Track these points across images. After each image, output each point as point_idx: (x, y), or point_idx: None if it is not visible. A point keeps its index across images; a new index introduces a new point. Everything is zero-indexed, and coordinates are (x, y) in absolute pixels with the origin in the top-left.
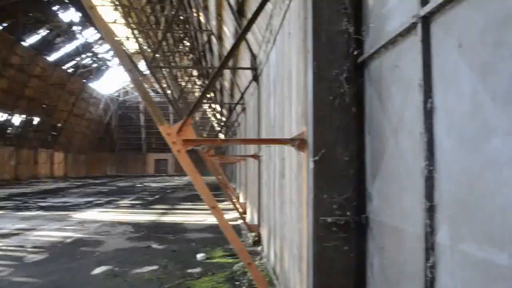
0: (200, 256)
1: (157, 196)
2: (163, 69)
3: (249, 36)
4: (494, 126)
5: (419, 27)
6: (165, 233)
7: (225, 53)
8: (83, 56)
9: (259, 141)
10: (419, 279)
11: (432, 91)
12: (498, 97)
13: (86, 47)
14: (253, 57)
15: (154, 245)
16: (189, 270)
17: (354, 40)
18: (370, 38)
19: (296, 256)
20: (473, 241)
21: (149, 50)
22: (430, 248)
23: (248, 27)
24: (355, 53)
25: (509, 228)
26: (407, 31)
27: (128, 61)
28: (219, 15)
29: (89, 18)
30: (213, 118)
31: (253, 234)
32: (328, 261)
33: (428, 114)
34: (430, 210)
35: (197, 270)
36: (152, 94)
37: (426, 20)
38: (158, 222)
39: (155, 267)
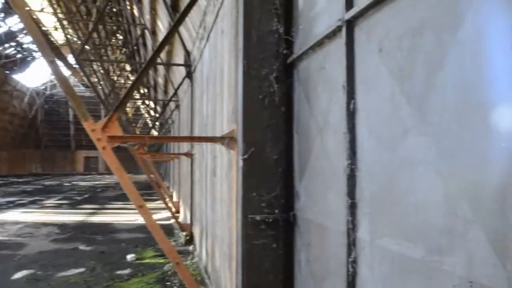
0: (130, 257)
1: (86, 196)
2: (93, 63)
3: (183, 32)
4: (409, 127)
5: (343, 30)
6: (94, 233)
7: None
8: (6, 45)
9: (188, 139)
10: (342, 274)
11: (355, 93)
12: (412, 100)
13: (10, 36)
14: (187, 53)
15: (82, 247)
16: (118, 272)
17: (284, 41)
18: (299, 39)
19: (226, 254)
20: (390, 237)
21: (79, 42)
22: (351, 244)
23: (180, 20)
24: (285, 53)
25: (422, 224)
26: (333, 34)
27: (49, 52)
28: (153, 9)
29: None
30: (146, 115)
31: (185, 233)
32: (257, 259)
33: (351, 115)
34: (352, 207)
35: (127, 271)
36: (82, 88)
37: (350, 24)
38: (87, 222)
39: (82, 270)
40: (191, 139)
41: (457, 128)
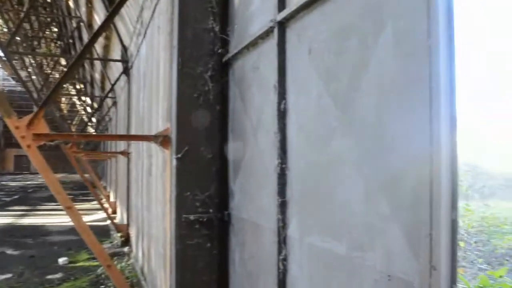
0: (62, 260)
1: (16, 196)
2: (24, 55)
3: (121, 27)
4: (334, 127)
5: (275, 31)
6: (23, 236)
7: (96, 42)
8: None
9: (120, 137)
10: (274, 272)
11: (286, 93)
12: (338, 101)
13: None
14: (124, 49)
15: (9, 251)
16: (49, 277)
17: (220, 39)
18: (235, 38)
19: (161, 255)
20: (318, 234)
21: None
22: (282, 242)
23: (115, 11)
24: (220, 52)
25: (346, 221)
26: (266, 34)
27: None
28: (89, 2)
29: None
30: (83, 112)
31: (120, 234)
32: (191, 259)
33: (282, 115)
34: (282, 206)
35: (58, 275)
36: (13, 82)
37: (282, 25)
38: (16, 225)
39: (8, 276)
40: (123, 137)
41: (378, 129)
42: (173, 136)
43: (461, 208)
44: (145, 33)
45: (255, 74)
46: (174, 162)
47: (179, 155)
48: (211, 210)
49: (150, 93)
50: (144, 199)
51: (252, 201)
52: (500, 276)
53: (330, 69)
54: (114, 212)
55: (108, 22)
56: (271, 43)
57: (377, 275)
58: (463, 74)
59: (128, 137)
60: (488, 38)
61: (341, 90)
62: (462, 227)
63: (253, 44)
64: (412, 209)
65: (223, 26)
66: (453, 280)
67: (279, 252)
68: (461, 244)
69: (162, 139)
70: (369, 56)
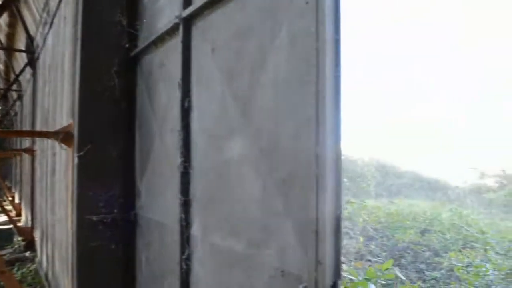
0: None
1: None
2: None
3: (27, 14)
4: (235, 126)
5: (180, 28)
6: None
7: None
8: None
9: (18, 134)
10: (178, 271)
11: (190, 91)
12: (239, 100)
13: None
14: (30, 39)
15: None
16: None
17: (127, 33)
18: (143, 33)
19: (64, 259)
20: (219, 233)
21: None
22: (185, 241)
23: None
24: (128, 46)
25: (244, 220)
26: (172, 30)
27: None
28: None
29: None
30: None
31: (21, 238)
32: (94, 261)
33: (186, 113)
34: (186, 205)
35: None
36: None
37: (188, 22)
38: None
39: None
40: (20, 133)
41: (273, 128)
42: (76, 132)
43: (359, 204)
44: (52, 23)
45: (161, 70)
46: (76, 160)
47: (81, 153)
48: (115, 210)
49: (55, 87)
50: (49, 200)
51: (158, 200)
52: (386, 269)
53: (231, 68)
54: (19, 214)
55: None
56: (177, 40)
57: (272, 271)
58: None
59: (26, 134)
60: (383, 41)
61: (240, 90)
62: (369, 223)
63: (161, 40)
64: (301, 206)
65: (131, 20)
66: (337, 273)
67: (182, 252)
68: (361, 238)
69: (63, 136)
70: (266, 57)
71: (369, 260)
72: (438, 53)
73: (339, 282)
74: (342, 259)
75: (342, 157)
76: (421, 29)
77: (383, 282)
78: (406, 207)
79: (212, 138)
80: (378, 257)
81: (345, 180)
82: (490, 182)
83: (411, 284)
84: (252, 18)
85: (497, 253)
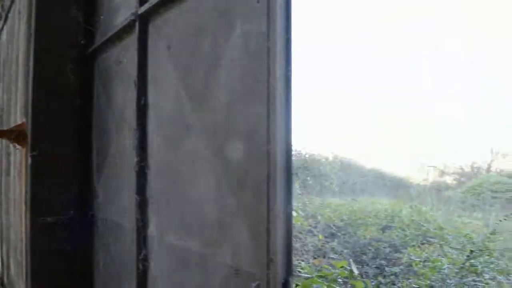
0: None
1: None
2: None
3: None
4: (190, 125)
5: (137, 25)
6: None
7: None
8: None
9: None
10: (134, 273)
11: (146, 89)
12: (194, 98)
13: None
14: None
15: None
16: None
17: (84, 30)
18: (100, 30)
19: (19, 262)
20: (175, 232)
21: None
22: (142, 241)
23: None
24: (84, 43)
25: (200, 219)
26: (129, 28)
27: None
28: None
29: None
30: None
31: None
32: (49, 264)
33: (142, 112)
34: (142, 205)
35: None
36: None
37: (144, 20)
38: None
39: None
40: None
41: (227, 127)
42: (29, 131)
43: (323, 202)
44: (6, 17)
45: (118, 68)
46: (30, 160)
47: (35, 152)
48: (71, 211)
49: (9, 84)
50: (3, 201)
51: (115, 200)
52: (342, 267)
53: (187, 67)
54: None
55: None
56: (133, 38)
57: (227, 270)
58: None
59: None
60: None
61: (196, 88)
62: (332, 221)
63: (117, 37)
64: (254, 205)
65: (88, 16)
66: (288, 271)
67: (139, 252)
68: (320, 237)
69: (16, 135)
70: (221, 55)
71: (332, 258)
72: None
73: (291, 279)
74: (305, 257)
75: (307, 156)
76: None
77: (340, 279)
78: (369, 204)
79: (168, 137)
80: (340, 254)
81: (308, 178)
82: (449, 180)
83: (364, 279)
84: (207, 16)
85: (452, 248)
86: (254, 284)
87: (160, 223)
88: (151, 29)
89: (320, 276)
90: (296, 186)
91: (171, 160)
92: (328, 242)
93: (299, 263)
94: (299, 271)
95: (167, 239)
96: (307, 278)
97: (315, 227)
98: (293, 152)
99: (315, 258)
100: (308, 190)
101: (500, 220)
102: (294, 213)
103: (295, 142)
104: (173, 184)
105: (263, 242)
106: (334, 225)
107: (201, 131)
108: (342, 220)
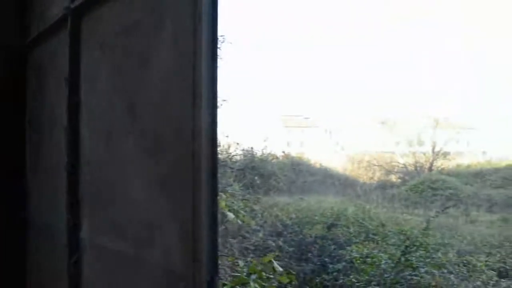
0: None
1: None
2: None
3: None
4: (122, 125)
5: (69, 20)
6: None
7: None
8: None
9: None
10: (66, 277)
11: (79, 87)
12: (125, 98)
13: None
14: None
15: None
16: None
17: (19, 22)
18: (35, 23)
19: None
20: (107, 234)
21: None
22: (74, 244)
23: None
24: (17, 35)
25: (132, 221)
26: (62, 22)
27: None
28: None
29: None
30: None
31: None
32: None
33: (74, 110)
34: (74, 206)
35: None
36: None
37: (77, 14)
38: None
39: None
40: None
41: (157, 126)
42: None
43: (270, 201)
44: None
45: (51, 64)
46: None
47: None
48: (3, 212)
49: None
50: None
51: (48, 202)
52: (269, 261)
53: (118, 65)
54: None
55: None
56: (66, 33)
57: (158, 271)
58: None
59: None
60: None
61: (127, 87)
62: (279, 220)
63: (51, 31)
64: (181, 205)
65: (23, 8)
66: (214, 269)
67: (71, 255)
68: (260, 234)
69: None
70: (152, 54)
71: (278, 256)
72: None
73: (216, 277)
74: (252, 256)
75: (256, 155)
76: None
77: (270, 275)
78: (316, 203)
79: (100, 136)
80: (287, 252)
81: (256, 178)
82: (394, 178)
83: (289, 275)
84: (139, 14)
85: (391, 244)
86: (181, 284)
87: (92, 225)
88: (84, 25)
89: (250, 273)
90: (241, 186)
91: (103, 160)
92: (274, 241)
93: (246, 262)
94: (237, 270)
95: (99, 241)
96: (235, 277)
97: (262, 226)
98: (240, 151)
99: (261, 256)
100: (256, 189)
101: (433, 217)
102: (243, 212)
103: (244, 140)
104: (105, 184)
105: (190, 242)
106: (281, 224)
107: (131, 130)
108: (290, 219)
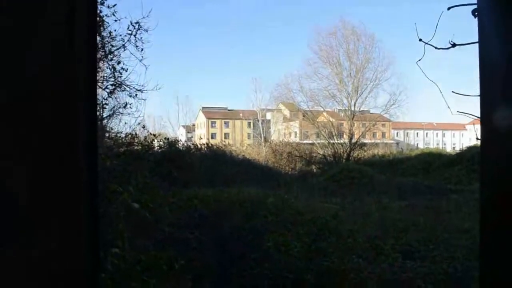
0: None
1: None
2: None
3: None
4: None
5: None
6: None
7: None
8: None
9: None
10: None
11: None
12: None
13: None
14: None
15: None
16: None
17: None
18: None
19: None
20: None
21: None
22: None
23: None
24: None
25: (13, 215)
26: None
27: None
28: None
29: None
30: None
31: None
32: None
33: None
34: None
35: None
36: None
37: None
38: None
39: None
40: None
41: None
42: None
43: (191, 192)
44: None
45: None
46: None
47: None
48: None
49: None
50: None
51: None
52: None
53: None
54: None
55: None
56: None
57: (40, 267)
58: None
59: None
60: None
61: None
62: (199, 211)
63: None
64: (65, 198)
65: None
66: (95, 263)
67: None
68: (167, 228)
69: None
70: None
71: (195, 248)
72: None
73: (98, 270)
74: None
75: (177, 147)
76: None
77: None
78: (237, 193)
79: None
80: (204, 244)
81: (172, 171)
82: (314, 169)
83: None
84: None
85: (306, 232)
86: (61, 277)
87: None
88: None
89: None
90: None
91: None
92: (192, 233)
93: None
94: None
95: None
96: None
97: (179, 219)
98: (162, 144)
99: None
100: (175, 181)
101: (346, 205)
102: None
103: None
104: None
105: (72, 236)
106: (199, 215)
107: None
108: (211, 210)
